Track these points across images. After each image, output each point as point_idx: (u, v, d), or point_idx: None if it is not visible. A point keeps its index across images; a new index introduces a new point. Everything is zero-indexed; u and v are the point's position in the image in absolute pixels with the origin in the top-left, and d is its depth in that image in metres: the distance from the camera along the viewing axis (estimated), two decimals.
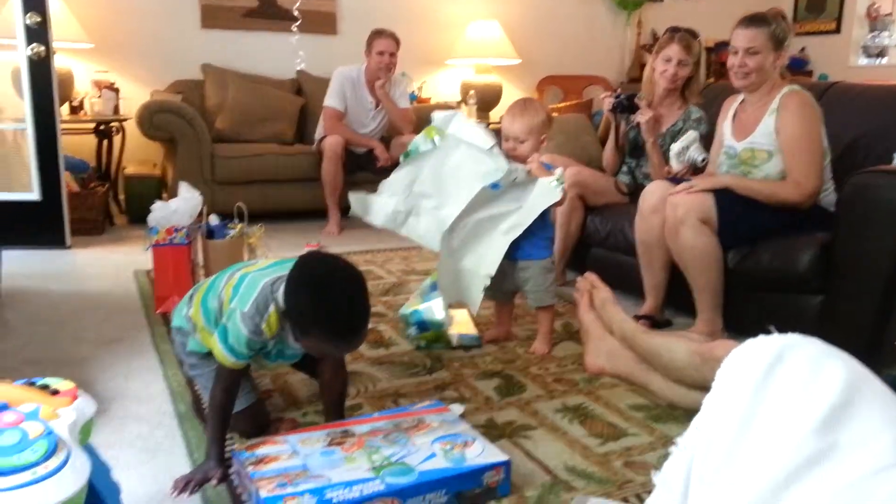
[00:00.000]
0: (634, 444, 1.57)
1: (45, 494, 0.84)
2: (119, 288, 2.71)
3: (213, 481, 1.36)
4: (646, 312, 2.36)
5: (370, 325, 2.25)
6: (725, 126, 2.34)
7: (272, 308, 1.37)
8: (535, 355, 2.06)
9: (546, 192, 1.93)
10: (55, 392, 1.04)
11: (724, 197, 2.13)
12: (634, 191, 2.67)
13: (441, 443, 1.39)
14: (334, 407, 1.55)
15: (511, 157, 1.97)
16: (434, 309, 2.01)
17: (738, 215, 2.13)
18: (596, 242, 2.70)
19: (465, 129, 1.93)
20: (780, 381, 0.54)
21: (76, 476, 0.88)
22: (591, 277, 2.08)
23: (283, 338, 1.43)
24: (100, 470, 1.09)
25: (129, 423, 1.64)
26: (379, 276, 2.94)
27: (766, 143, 2.19)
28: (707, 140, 2.47)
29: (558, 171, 1.96)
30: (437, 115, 1.98)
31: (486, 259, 1.94)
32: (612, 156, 2.79)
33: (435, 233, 1.92)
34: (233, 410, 1.44)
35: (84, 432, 1.03)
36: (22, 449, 0.87)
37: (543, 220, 2.00)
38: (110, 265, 3.05)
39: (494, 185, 1.90)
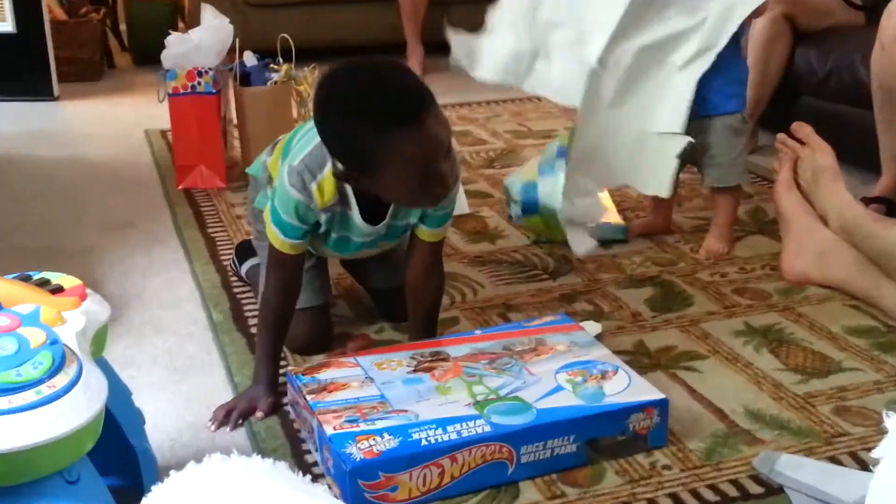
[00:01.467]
0: (852, 383, 1.55)
1: (51, 420, 0.90)
2: (127, 154, 2.82)
3: (261, 413, 1.45)
4: (880, 193, 2.27)
5: (471, 210, 2.30)
6: None
7: (328, 168, 1.42)
8: (707, 257, 2.04)
9: None
10: (58, 290, 1.13)
11: None
12: (875, 4, 2.49)
13: (569, 372, 1.41)
14: (423, 320, 1.59)
15: None
16: (554, 186, 1.98)
17: None
18: (808, 88, 2.59)
19: None
20: None
21: (91, 398, 0.94)
22: (803, 130, 1.96)
23: (347, 216, 1.48)
24: (117, 393, 1.17)
25: (150, 334, 1.75)
26: (480, 140, 2.92)
27: None
28: None
29: None
30: None
31: (657, 111, 1.87)
32: None
33: (578, 81, 1.83)
34: (290, 316, 1.52)
35: (97, 343, 1.11)
36: (21, 362, 0.93)
37: (734, 51, 1.92)
38: (114, 123, 3.16)
39: None
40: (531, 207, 2.01)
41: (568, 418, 1.31)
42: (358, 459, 1.23)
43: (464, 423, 1.29)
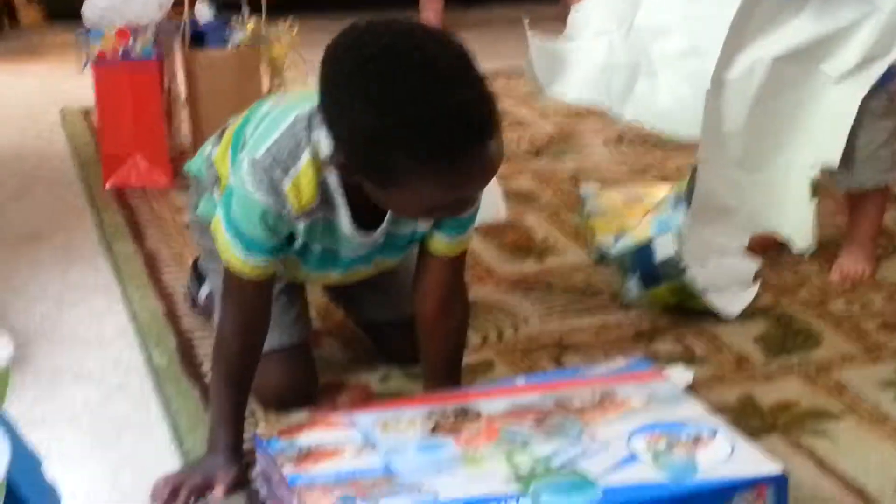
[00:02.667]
0: None
1: None
2: (36, 141, 2.85)
3: (220, 490, 1.45)
4: None
5: (510, 217, 2.30)
6: None
7: (306, 156, 1.41)
8: (842, 280, 2.05)
9: None
10: None
11: None
12: None
13: (648, 436, 1.40)
14: (442, 364, 1.60)
15: None
16: (669, 245, 1.97)
17: None
18: None
19: None
20: None
21: None
22: None
23: (332, 223, 1.48)
24: (23, 462, 1.14)
25: (68, 383, 1.75)
26: (523, 122, 2.94)
27: None
28: None
29: None
30: None
31: (806, 138, 1.89)
32: None
33: (692, 106, 1.85)
34: (256, 362, 1.52)
35: None
36: None
37: None
38: (17, 99, 3.20)
39: None
40: (651, 277, 1.99)
41: (647, 499, 1.30)
42: None
43: None
